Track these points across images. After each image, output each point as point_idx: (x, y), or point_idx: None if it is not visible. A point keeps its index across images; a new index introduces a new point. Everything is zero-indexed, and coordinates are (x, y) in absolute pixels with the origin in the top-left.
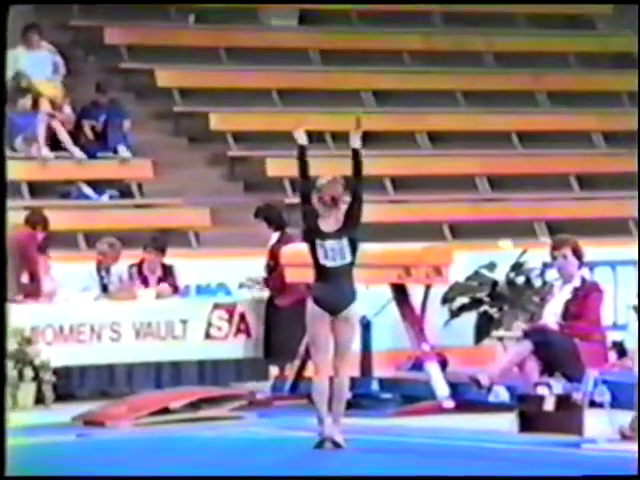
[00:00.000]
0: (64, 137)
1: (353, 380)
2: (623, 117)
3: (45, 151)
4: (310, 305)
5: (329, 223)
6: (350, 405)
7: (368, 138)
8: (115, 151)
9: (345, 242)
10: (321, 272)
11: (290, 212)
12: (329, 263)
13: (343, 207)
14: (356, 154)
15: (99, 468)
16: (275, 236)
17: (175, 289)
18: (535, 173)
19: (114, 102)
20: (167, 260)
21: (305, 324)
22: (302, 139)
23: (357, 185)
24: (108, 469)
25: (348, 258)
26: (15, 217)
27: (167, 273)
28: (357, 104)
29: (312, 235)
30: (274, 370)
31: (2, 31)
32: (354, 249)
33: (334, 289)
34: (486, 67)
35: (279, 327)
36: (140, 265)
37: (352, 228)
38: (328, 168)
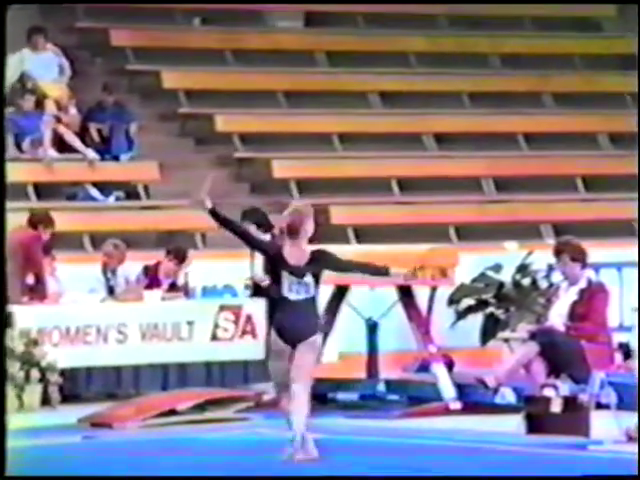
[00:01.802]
0: (71, 138)
1: (360, 381)
2: (628, 118)
3: (51, 152)
4: (273, 336)
5: (294, 255)
6: (357, 406)
7: (374, 139)
8: (121, 153)
9: (310, 278)
10: (284, 304)
11: None
12: (292, 296)
13: (305, 238)
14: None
15: (105, 470)
16: (267, 237)
17: (187, 295)
18: (541, 174)
19: (120, 104)
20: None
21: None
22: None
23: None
24: (114, 471)
25: (312, 292)
26: (21, 219)
27: (183, 280)
28: (363, 106)
29: (277, 266)
30: None
31: (2, 31)
32: (318, 283)
33: (296, 322)
34: (492, 69)
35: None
36: (157, 267)
37: (320, 267)
38: (334, 169)
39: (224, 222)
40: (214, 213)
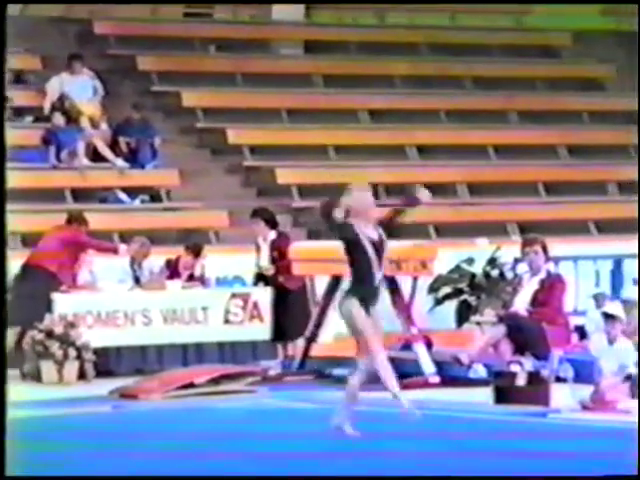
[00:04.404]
0: (104, 150)
1: (351, 359)
2: (584, 133)
3: (85, 162)
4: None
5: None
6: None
7: (364, 150)
8: (146, 162)
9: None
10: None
11: (296, 215)
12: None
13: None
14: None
15: (132, 436)
16: (273, 233)
17: (202, 284)
18: (507, 181)
19: (145, 120)
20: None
21: (309, 306)
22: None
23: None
24: (139, 437)
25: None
26: (59, 220)
27: (199, 272)
28: (354, 121)
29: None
30: (281, 349)
31: (2, 31)
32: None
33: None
34: (465, 90)
35: (287, 310)
36: (177, 261)
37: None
38: (329, 176)
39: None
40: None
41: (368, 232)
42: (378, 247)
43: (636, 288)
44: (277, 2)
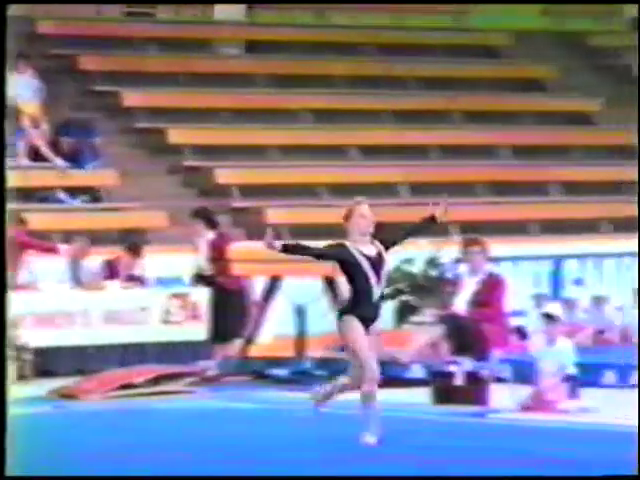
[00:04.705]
0: (44, 150)
1: (290, 359)
2: (526, 133)
3: (25, 162)
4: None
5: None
6: (288, 381)
7: (306, 150)
8: (87, 162)
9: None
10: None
11: (236, 215)
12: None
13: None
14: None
15: (72, 436)
16: (212, 233)
17: (142, 284)
18: (448, 181)
19: (87, 120)
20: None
21: (248, 306)
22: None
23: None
24: (79, 436)
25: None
26: None
27: (139, 272)
28: (296, 121)
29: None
30: (220, 349)
31: (2, 31)
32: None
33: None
34: (408, 90)
35: (226, 310)
36: (116, 261)
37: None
38: (270, 176)
39: (298, 250)
40: (286, 249)
41: (364, 249)
42: (376, 263)
43: (577, 288)
44: (218, 2)
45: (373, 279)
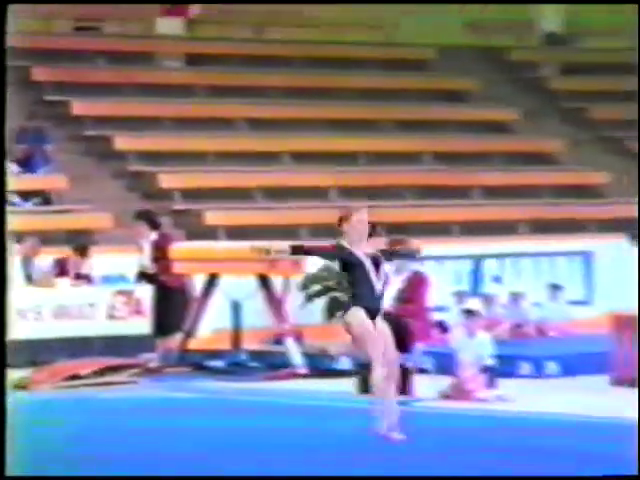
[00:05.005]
0: None
1: (226, 352)
2: (450, 141)
3: None
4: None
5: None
6: (225, 372)
7: (242, 157)
8: (38, 167)
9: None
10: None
11: (176, 217)
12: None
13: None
14: None
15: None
16: (155, 234)
17: (89, 282)
18: (376, 186)
19: (39, 129)
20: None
21: (188, 302)
22: None
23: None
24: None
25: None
26: None
27: (86, 270)
28: (233, 130)
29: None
30: (161, 343)
31: (2, 31)
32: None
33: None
34: (339, 100)
35: (167, 306)
36: (65, 260)
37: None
38: (209, 180)
39: (305, 251)
40: (295, 250)
41: (364, 247)
42: (375, 260)
43: (495, 285)
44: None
45: (374, 275)
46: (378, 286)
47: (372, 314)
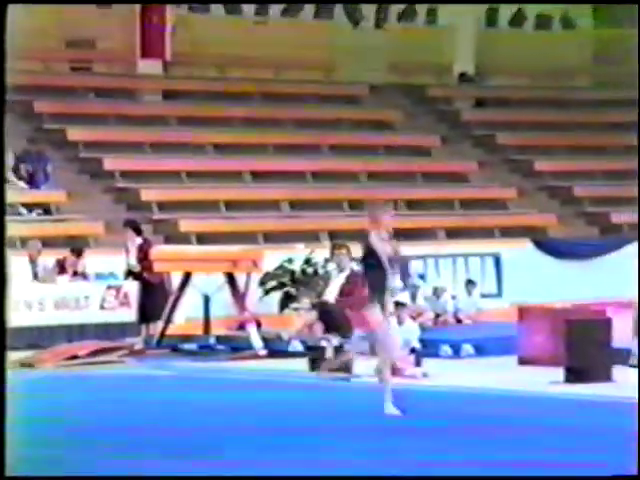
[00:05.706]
0: (8, 174)
1: (198, 337)
2: (379, 162)
3: None
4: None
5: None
6: (197, 354)
7: (210, 175)
8: (41, 184)
9: None
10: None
11: (156, 225)
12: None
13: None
14: None
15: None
16: (139, 239)
17: (84, 279)
18: (320, 199)
19: (40, 151)
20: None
21: (167, 295)
22: None
23: None
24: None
25: None
26: None
27: (82, 269)
28: (202, 153)
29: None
30: (145, 329)
31: (2, 31)
32: None
33: None
34: (288, 128)
35: (149, 298)
36: (64, 261)
37: None
38: (183, 194)
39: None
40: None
41: (382, 244)
42: (392, 257)
43: (420, 282)
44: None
45: (389, 270)
46: (392, 279)
47: (383, 305)
